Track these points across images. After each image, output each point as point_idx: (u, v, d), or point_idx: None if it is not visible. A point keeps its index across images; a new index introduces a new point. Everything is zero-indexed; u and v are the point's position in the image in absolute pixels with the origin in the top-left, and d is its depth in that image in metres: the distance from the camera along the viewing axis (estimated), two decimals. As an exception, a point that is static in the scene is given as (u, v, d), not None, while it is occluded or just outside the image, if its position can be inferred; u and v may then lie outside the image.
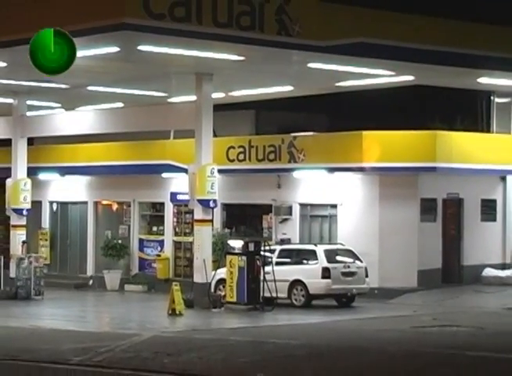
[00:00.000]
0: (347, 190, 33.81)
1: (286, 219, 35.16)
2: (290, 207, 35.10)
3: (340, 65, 28.38)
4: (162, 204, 38.82)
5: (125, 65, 28.78)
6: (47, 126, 37.38)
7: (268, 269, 29.59)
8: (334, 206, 34.16)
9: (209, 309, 29.32)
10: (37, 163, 38.85)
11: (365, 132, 32.53)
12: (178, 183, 36.18)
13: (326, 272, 29.59)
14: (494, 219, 35.82)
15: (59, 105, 38.68)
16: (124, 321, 28.40)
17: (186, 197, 31.72)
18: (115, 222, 40.65)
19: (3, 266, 35.08)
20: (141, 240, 39.64)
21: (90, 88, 33.52)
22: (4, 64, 29.02)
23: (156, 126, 34.46)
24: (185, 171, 31.76)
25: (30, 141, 38.49)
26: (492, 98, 36.71)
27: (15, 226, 36.62)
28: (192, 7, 24.12)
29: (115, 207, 40.92)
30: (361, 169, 32.82)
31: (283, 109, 38.04)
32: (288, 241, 33.93)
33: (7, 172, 37.20)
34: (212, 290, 30.39)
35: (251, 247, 29.75)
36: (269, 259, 30.02)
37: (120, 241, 39.50)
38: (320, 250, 30.30)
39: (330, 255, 30.16)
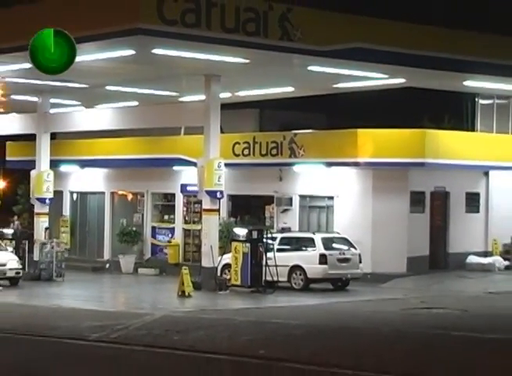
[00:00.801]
0: (343, 183, 33.77)
1: (286, 209, 35.15)
2: (291, 199, 35.07)
3: (338, 68, 28.32)
4: (173, 195, 38.81)
5: (140, 67, 28.74)
6: (68, 122, 37.38)
7: (269, 255, 29.59)
8: (331, 198, 34.13)
9: (215, 291, 29.31)
10: (59, 156, 38.86)
11: (360, 130, 32.50)
12: (187, 176, 36.14)
13: (323, 259, 29.57)
14: (477, 211, 35.82)
15: (80, 103, 38.65)
16: (138, 301, 28.43)
17: (195, 189, 31.70)
18: (130, 211, 40.65)
19: (28, 250, 35.07)
20: (153, 228, 39.64)
21: (108, 87, 33.50)
22: (29, 65, 28.91)
23: (168, 123, 34.44)
24: (195, 164, 31.74)
25: (53, 136, 38.50)
26: (476, 99, 36.69)
27: (38, 214, 36.68)
28: (202, 14, 24.12)
29: (130, 197, 40.91)
30: (356, 164, 32.78)
31: (285, 108, 38.02)
32: (288, 230, 33.91)
33: (31, 164, 37.25)
34: (218, 273, 30.38)
35: (255, 234, 29.76)
36: (271, 246, 30.02)
37: (134, 228, 39.49)
38: (318, 238, 30.27)
39: (327, 243, 30.15)
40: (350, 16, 27.12)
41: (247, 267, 29.33)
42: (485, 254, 35.33)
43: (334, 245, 30.36)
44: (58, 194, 39.61)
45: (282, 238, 31.09)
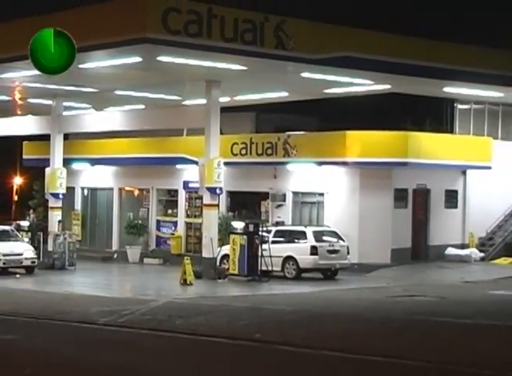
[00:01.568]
0: (332, 181, 33.79)
1: (280, 205, 35.16)
2: (284, 195, 35.10)
3: (328, 75, 28.32)
4: (176, 191, 38.82)
5: (146, 73, 28.74)
6: (80, 124, 37.38)
7: (265, 246, 29.60)
8: (321, 194, 34.17)
9: (215, 280, 29.33)
10: (71, 155, 38.86)
11: (348, 132, 32.51)
12: (189, 173, 36.17)
13: (313, 250, 29.60)
14: (455, 207, 35.86)
15: (91, 106, 38.64)
16: (143, 289, 28.44)
17: (197, 185, 31.70)
18: (136, 206, 40.66)
19: (42, 241, 35.09)
20: (158, 221, 39.66)
21: (117, 92, 33.50)
22: (44, 71, 28.90)
23: (172, 125, 34.48)
24: (196, 163, 31.78)
25: (66, 136, 38.49)
26: (455, 104, 36.70)
27: (52, 208, 36.68)
28: (203, 24, 24.12)
29: (136, 192, 40.92)
30: (344, 163, 32.80)
31: (279, 111, 38.01)
32: (282, 223, 33.93)
33: (46, 162, 37.23)
34: (218, 263, 30.39)
35: (251, 227, 29.77)
36: (266, 238, 30.02)
37: (140, 222, 39.52)
38: (309, 231, 30.29)
39: (318, 236, 30.17)
40: (339, 27, 27.13)
41: (244, 258, 29.35)
42: (462, 246, 35.37)
43: (324, 238, 30.39)
44: (70, 190, 39.60)
45: (276, 231, 31.11)
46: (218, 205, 31.28)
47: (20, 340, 16.61)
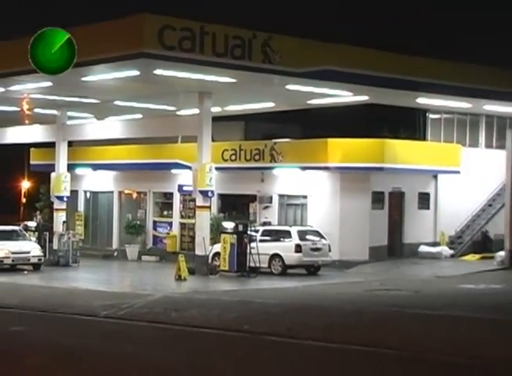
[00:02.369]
0: (315, 184, 33.81)
1: (267, 206, 35.16)
2: (271, 197, 35.10)
3: (311, 87, 28.33)
4: (171, 194, 38.77)
5: (144, 85, 28.69)
6: (83, 132, 37.29)
7: (253, 244, 29.59)
8: (305, 196, 34.18)
9: (207, 276, 29.30)
10: (74, 161, 38.77)
11: (329, 140, 32.54)
12: (183, 177, 36.10)
13: (298, 248, 29.60)
14: (428, 208, 35.92)
15: (92, 115, 38.54)
16: (141, 284, 28.37)
17: (190, 189, 31.65)
18: (134, 207, 40.59)
19: (48, 240, 35.01)
20: (154, 222, 39.59)
21: (116, 102, 33.44)
22: (50, 84, 28.90)
23: (167, 133, 34.42)
24: (190, 168, 31.75)
25: (70, 143, 38.37)
26: (427, 114, 36.77)
27: (57, 210, 36.55)
28: (196, 40, 24.11)
29: (135, 195, 40.85)
30: (326, 168, 32.83)
31: (266, 120, 38.02)
32: (269, 223, 33.91)
33: (52, 167, 37.13)
34: (209, 260, 30.35)
35: (240, 227, 29.75)
36: (254, 237, 30.01)
37: (138, 222, 39.45)
38: (294, 230, 30.30)
39: (302, 235, 30.18)
40: (321, 43, 27.13)
41: (234, 255, 29.33)
42: (434, 244, 35.43)
43: (308, 237, 30.39)
44: (74, 193, 39.51)
45: (263, 230, 31.10)
46: (209, 207, 31.26)
47: (28, 331, 16.57)
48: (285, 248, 29.84)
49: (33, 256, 31.76)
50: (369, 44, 28.66)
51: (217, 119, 32.10)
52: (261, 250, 29.53)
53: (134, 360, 13.02)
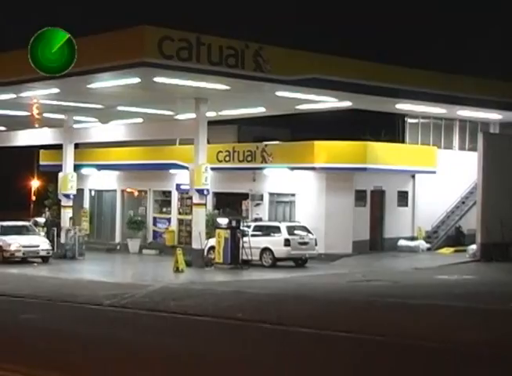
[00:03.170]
0: (302, 183, 33.80)
1: (258, 204, 35.12)
2: (262, 195, 35.07)
3: (299, 93, 28.34)
4: (170, 192, 38.68)
5: (144, 92, 28.65)
6: (88, 135, 37.18)
7: (245, 239, 29.54)
8: (293, 195, 34.15)
9: (203, 268, 29.26)
10: (80, 161, 38.66)
11: (316, 142, 32.54)
12: (181, 177, 36.03)
13: (287, 242, 29.58)
14: (406, 205, 35.93)
15: (97, 120, 38.48)
16: (142, 275, 28.36)
17: (187, 187, 31.64)
18: (136, 205, 40.49)
19: (56, 235, 34.94)
20: (154, 218, 39.49)
21: (119, 108, 33.38)
22: (58, 90, 28.87)
23: (166, 136, 34.34)
24: (187, 168, 31.70)
25: (76, 145, 38.26)
26: (405, 119, 36.82)
27: (64, 207, 36.44)
28: (193, 50, 24.10)
29: (136, 193, 40.75)
30: (313, 168, 32.82)
31: (258, 124, 38.05)
32: (260, 219, 33.88)
33: (59, 168, 37.03)
34: (205, 254, 30.31)
35: (234, 223, 29.66)
36: (246, 232, 29.97)
37: (139, 218, 39.35)
38: (283, 226, 30.28)
39: (290, 230, 30.15)
40: (308, 53, 27.16)
41: (228, 249, 29.27)
42: (412, 238, 35.45)
43: (296, 232, 30.38)
44: (80, 191, 39.42)
45: (255, 226, 31.08)
46: (205, 204, 31.23)
47: (38, 319, 16.57)
48: (275, 242, 29.83)
49: (42, 249, 31.70)
50: (353, 54, 28.71)
51: (212, 123, 32.09)
52: (253, 244, 29.52)
53: (135, 345, 13.04)
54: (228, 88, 26.89)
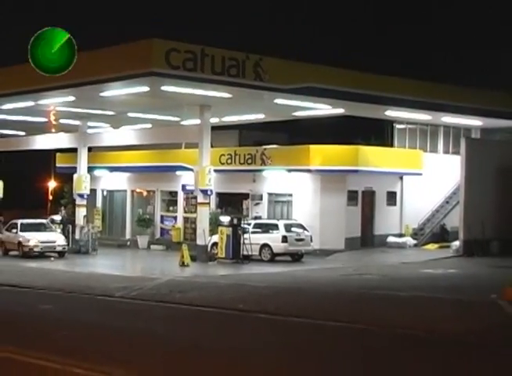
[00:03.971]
0: (299, 184, 33.81)
1: (258, 203, 35.15)
2: (261, 195, 35.08)
3: (296, 101, 28.37)
4: (176, 192, 38.70)
5: (152, 99, 28.68)
6: (100, 139, 37.21)
7: (246, 236, 29.54)
8: (290, 195, 34.16)
9: (207, 262, 29.25)
10: (93, 163, 38.69)
11: (311, 146, 32.54)
12: (186, 178, 36.06)
13: (284, 239, 29.57)
14: (395, 204, 35.94)
15: (109, 125, 38.52)
16: (150, 269, 28.35)
17: (192, 188, 31.66)
18: (145, 204, 40.52)
19: (71, 232, 34.95)
20: (162, 216, 39.50)
21: (129, 114, 33.40)
22: (73, 98, 28.90)
23: (173, 140, 34.39)
24: (192, 170, 31.69)
25: (90, 149, 38.30)
26: (394, 124, 36.81)
27: (79, 205, 36.49)
28: (197, 61, 24.15)
29: (145, 193, 40.79)
30: (308, 170, 32.82)
31: (258, 129, 38.03)
32: (259, 217, 33.88)
33: (74, 170, 37.07)
34: (209, 249, 30.32)
35: (235, 221, 29.65)
36: (247, 229, 29.96)
37: (148, 216, 39.37)
38: (281, 223, 30.29)
39: (287, 227, 30.14)
40: (304, 64, 27.20)
41: (230, 245, 29.25)
42: (400, 235, 35.46)
43: (293, 229, 30.36)
44: (93, 191, 39.42)
45: (255, 224, 31.06)
46: (209, 203, 31.23)
47: (55, 309, 16.58)
48: (273, 239, 29.82)
49: (58, 245, 31.73)
50: (345, 65, 28.73)
51: (215, 128, 32.08)
52: (253, 240, 29.52)
53: (144, 333, 13.06)
54: (230, 96, 26.91)
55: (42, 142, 40.37)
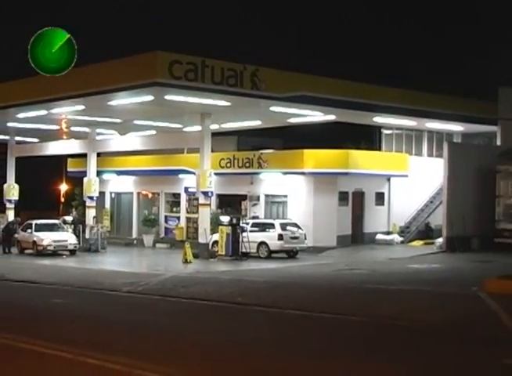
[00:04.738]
0: (294, 186, 33.81)
1: (255, 204, 35.12)
2: (259, 196, 35.07)
3: (290, 108, 28.39)
4: (179, 194, 38.68)
5: (157, 108, 28.68)
6: (109, 145, 37.23)
7: (244, 234, 29.55)
8: (286, 196, 34.15)
9: (208, 259, 29.27)
10: (102, 168, 38.68)
11: (305, 150, 32.53)
12: (189, 181, 36.01)
13: (280, 237, 29.56)
14: (383, 204, 35.92)
15: (116, 132, 38.52)
16: (155, 266, 28.33)
17: (194, 190, 31.65)
18: (150, 205, 40.49)
19: (82, 231, 34.95)
20: (166, 216, 39.46)
21: (135, 122, 33.40)
22: (83, 107, 28.90)
23: (176, 145, 34.42)
24: (194, 173, 31.70)
25: (98, 154, 38.30)
26: (381, 130, 36.86)
27: (88, 207, 36.47)
28: (198, 72, 24.16)
29: (150, 195, 40.78)
30: (302, 173, 32.82)
31: (255, 135, 38.04)
32: (257, 217, 33.90)
33: (84, 173, 37.05)
34: (210, 247, 30.32)
35: (234, 220, 29.65)
36: (245, 228, 29.97)
37: (153, 216, 39.34)
38: (277, 223, 30.26)
39: (283, 226, 30.12)
40: (298, 74, 27.21)
41: (229, 243, 29.24)
42: (388, 233, 35.45)
43: (288, 228, 30.35)
44: (101, 194, 39.41)
45: (252, 223, 31.06)
46: (209, 204, 31.26)
47: (66, 303, 16.57)
48: (270, 237, 29.81)
49: (70, 244, 31.74)
50: (337, 74, 28.76)
51: (215, 134, 32.10)
52: (251, 238, 29.52)
53: (149, 325, 13.05)
54: (229, 104, 26.93)
55: (54, 148, 40.36)
